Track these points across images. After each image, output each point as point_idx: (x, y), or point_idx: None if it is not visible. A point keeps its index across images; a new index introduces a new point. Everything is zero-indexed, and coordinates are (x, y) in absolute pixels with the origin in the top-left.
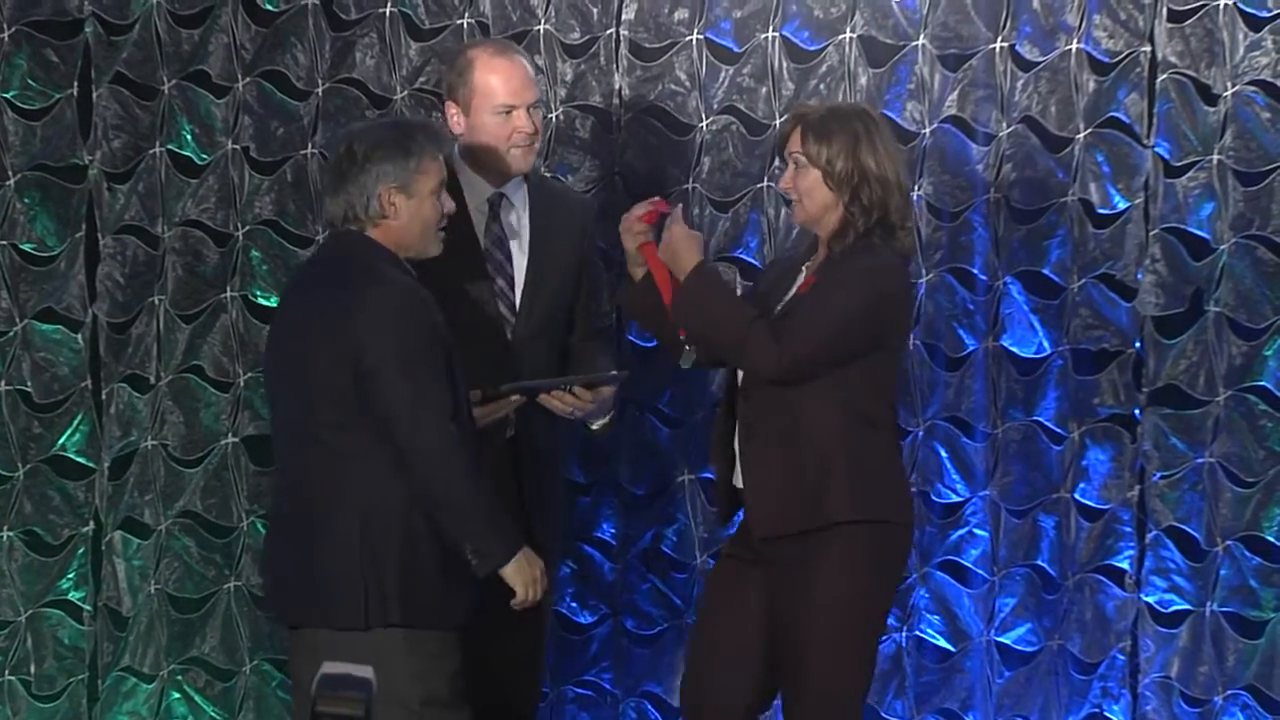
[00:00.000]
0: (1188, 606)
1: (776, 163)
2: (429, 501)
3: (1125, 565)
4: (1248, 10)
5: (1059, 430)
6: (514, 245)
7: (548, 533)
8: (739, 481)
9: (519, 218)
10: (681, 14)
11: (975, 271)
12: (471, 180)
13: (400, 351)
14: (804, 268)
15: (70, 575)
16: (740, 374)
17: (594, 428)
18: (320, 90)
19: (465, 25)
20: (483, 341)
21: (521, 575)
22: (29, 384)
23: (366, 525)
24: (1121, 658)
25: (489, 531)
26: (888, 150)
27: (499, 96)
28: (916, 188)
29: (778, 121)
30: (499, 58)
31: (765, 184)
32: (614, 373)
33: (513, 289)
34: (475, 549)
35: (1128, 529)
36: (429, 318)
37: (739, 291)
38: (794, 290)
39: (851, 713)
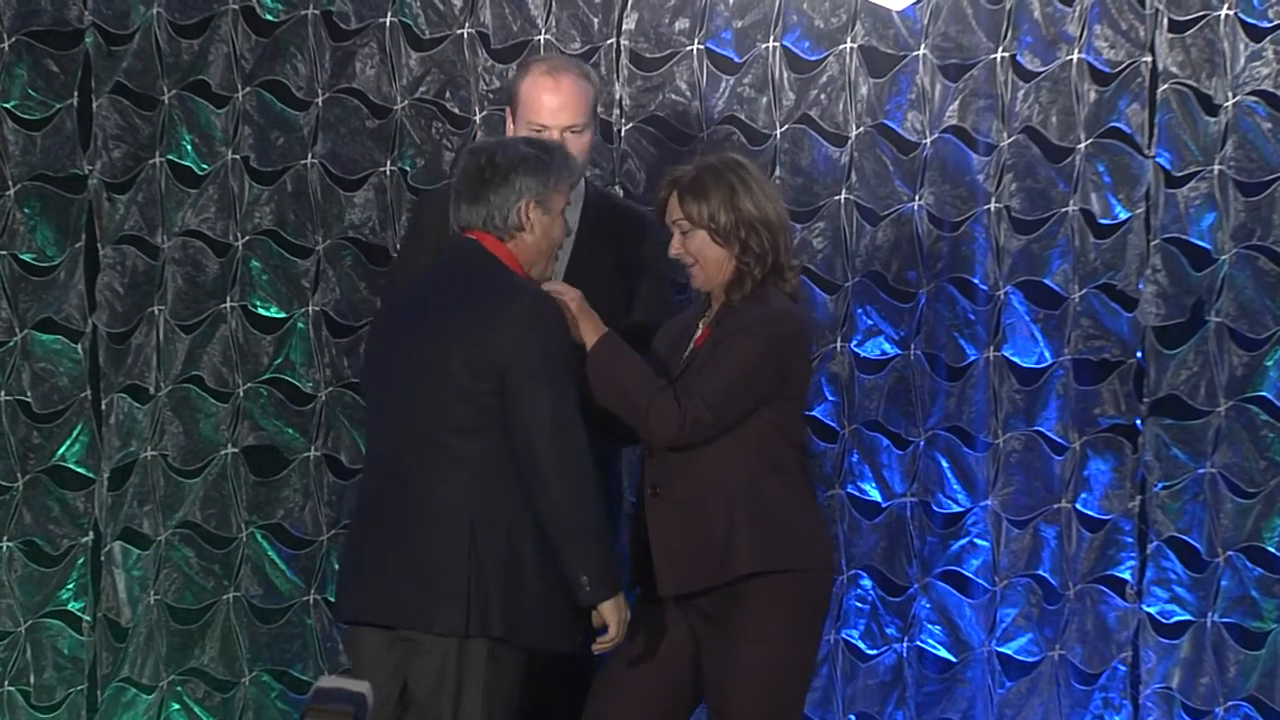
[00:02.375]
0: (1189, 617)
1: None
2: (551, 516)
3: (1126, 576)
4: (1248, 21)
5: (1060, 440)
6: (559, 258)
7: None
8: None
9: (568, 231)
10: (682, 24)
11: (976, 281)
12: None
13: (546, 362)
14: (699, 323)
15: (70, 586)
16: None
17: None
18: (320, 100)
19: (465, 35)
20: None
21: (619, 613)
22: (29, 394)
23: (477, 531)
24: (1123, 668)
25: (606, 559)
26: (765, 193)
27: (533, 114)
28: (917, 197)
29: (779, 131)
30: (546, 75)
31: None
32: None
33: None
34: (590, 574)
35: (1129, 539)
36: (567, 329)
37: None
38: (691, 346)
39: None
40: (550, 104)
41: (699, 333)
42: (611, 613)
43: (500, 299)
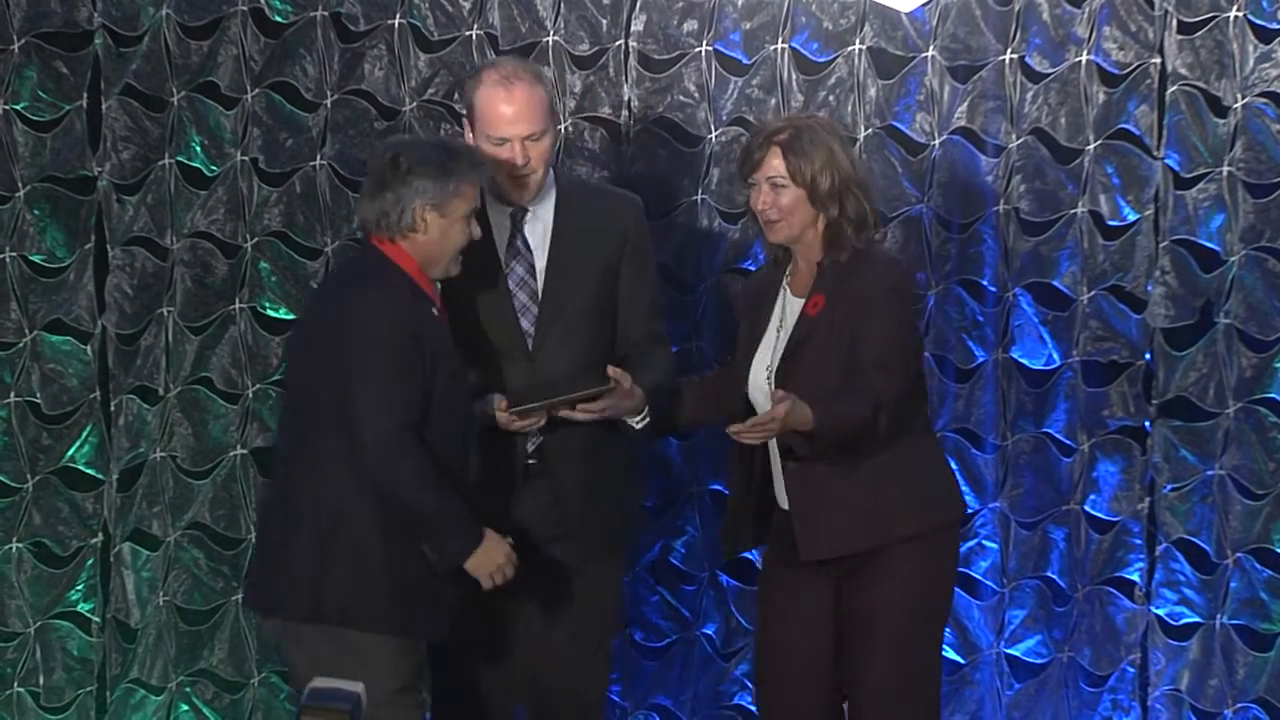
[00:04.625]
0: (1198, 619)
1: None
2: (387, 504)
3: (1135, 577)
4: (1258, 22)
5: (1069, 442)
6: (536, 258)
7: (580, 549)
8: (782, 500)
9: (543, 230)
10: (691, 25)
11: (985, 283)
12: (491, 197)
13: (364, 359)
14: (784, 284)
15: (79, 587)
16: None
17: (636, 427)
18: (329, 102)
19: (474, 37)
20: (506, 357)
21: (483, 567)
22: (38, 395)
23: (328, 523)
24: (1131, 670)
25: (442, 532)
26: (849, 153)
27: (491, 127)
28: (926, 199)
29: None
30: (499, 87)
31: None
32: (600, 388)
33: (535, 303)
34: (433, 548)
35: (1138, 541)
36: (407, 330)
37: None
38: (798, 315)
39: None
40: (506, 114)
41: (800, 301)
42: (475, 570)
43: (350, 302)
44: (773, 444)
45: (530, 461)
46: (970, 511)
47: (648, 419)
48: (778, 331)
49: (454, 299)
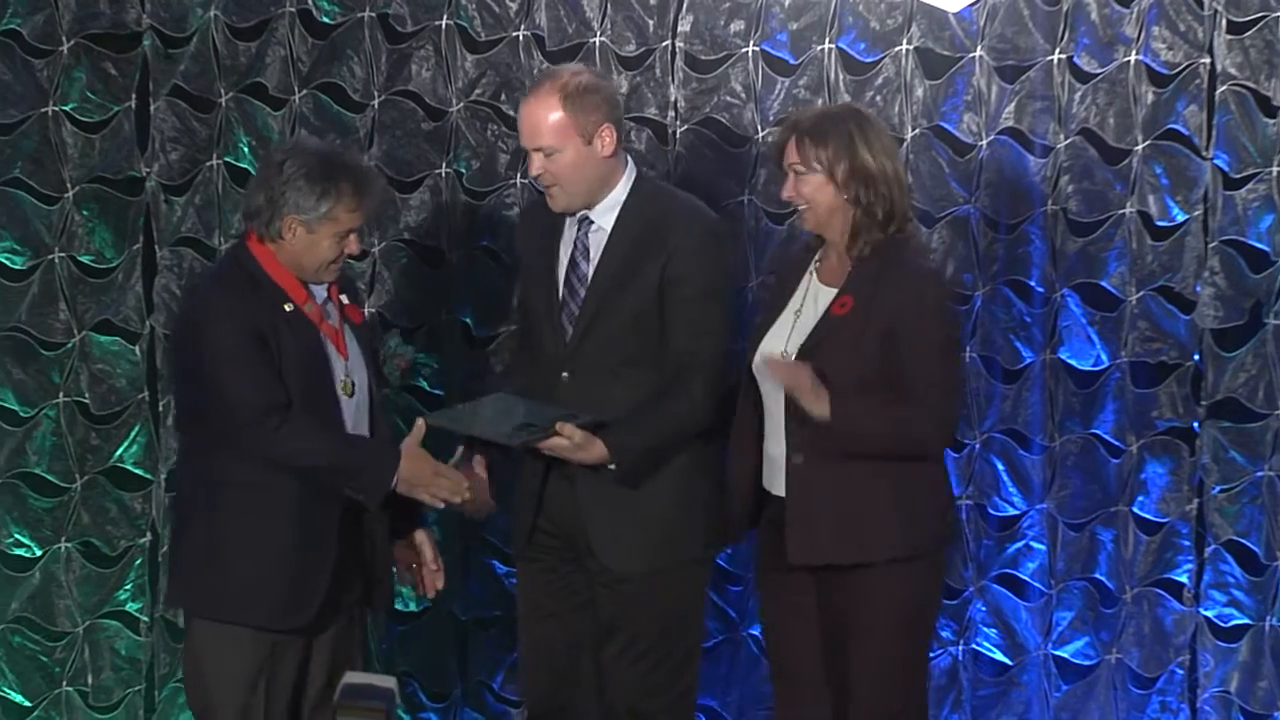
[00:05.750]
0: (1247, 621)
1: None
2: (289, 475)
3: (1184, 579)
4: None
5: (1117, 443)
6: (590, 268)
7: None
8: (770, 485)
9: (601, 240)
10: (737, 26)
11: (1032, 284)
12: None
13: (201, 357)
14: (812, 269)
15: (127, 586)
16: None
17: (610, 467)
18: (376, 103)
19: (521, 38)
20: (545, 373)
21: (416, 486)
22: (87, 395)
23: (180, 514)
24: (1180, 672)
25: (351, 471)
26: (883, 146)
27: (521, 139)
28: (973, 200)
29: None
30: (528, 94)
31: None
32: (561, 423)
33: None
34: (355, 490)
35: (1186, 543)
36: (244, 325)
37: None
38: (822, 310)
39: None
40: (521, 125)
41: (830, 296)
42: (412, 493)
43: (193, 297)
44: (773, 433)
45: (552, 469)
46: (1016, 513)
47: (616, 470)
48: (795, 315)
49: (524, 302)
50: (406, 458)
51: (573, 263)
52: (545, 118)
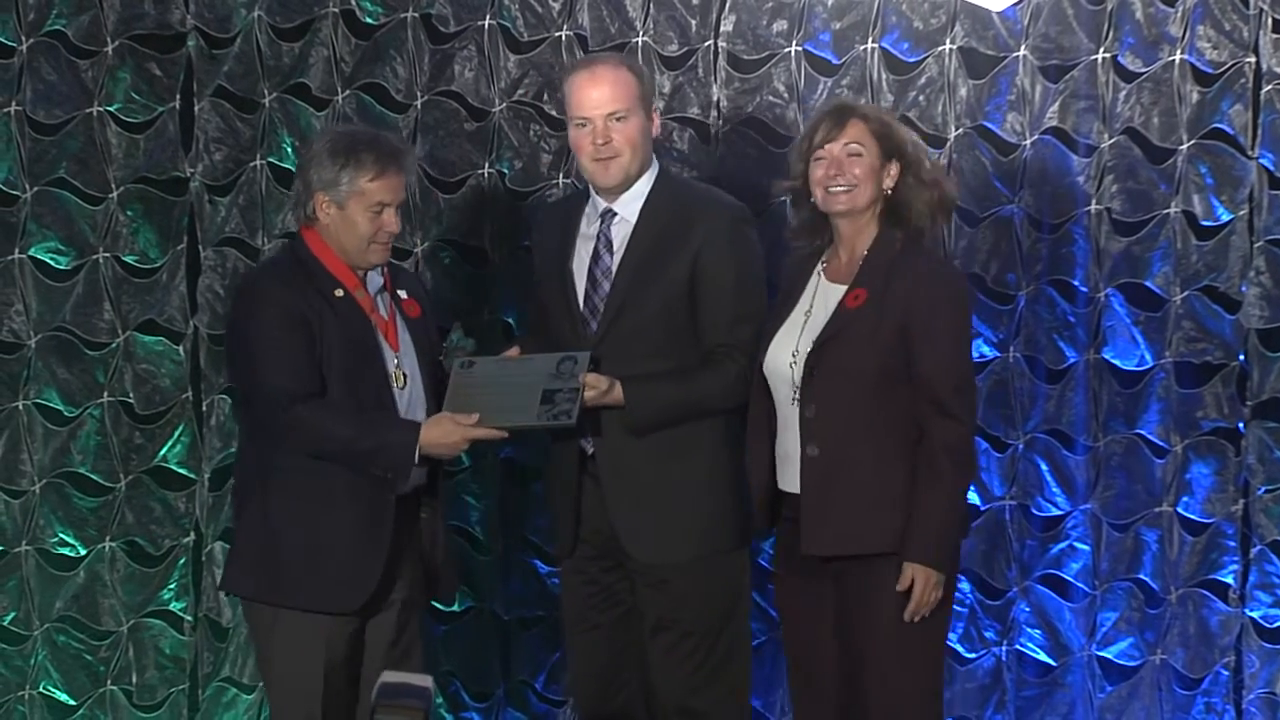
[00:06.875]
0: None
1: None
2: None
3: (1229, 580)
4: None
5: (1161, 443)
6: (614, 261)
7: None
8: (784, 484)
9: (626, 232)
10: (780, 25)
11: (1076, 284)
12: (593, 196)
13: (243, 344)
14: (819, 269)
15: (171, 586)
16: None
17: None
18: (419, 103)
19: (564, 38)
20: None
21: (442, 447)
22: (131, 395)
23: (238, 499)
24: (1225, 673)
25: (377, 445)
26: (922, 149)
27: (576, 109)
28: (1016, 199)
29: None
30: (583, 70)
31: None
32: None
33: (605, 306)
34: (381, 463)
35: (1231, 543)
36: (283, 309)
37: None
38: (833, 305)
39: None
40: (587, 92)
41: (840, 292)
42: (440, 451)
43: (241, 290)
44: (787, 427)
45: (590, 459)
46: (1060, 514)
47: (627, 414)
48: (805, 315)
49: (543, 295)
50: (427, 426)
51: (595, 256)
52: (624, 80)
